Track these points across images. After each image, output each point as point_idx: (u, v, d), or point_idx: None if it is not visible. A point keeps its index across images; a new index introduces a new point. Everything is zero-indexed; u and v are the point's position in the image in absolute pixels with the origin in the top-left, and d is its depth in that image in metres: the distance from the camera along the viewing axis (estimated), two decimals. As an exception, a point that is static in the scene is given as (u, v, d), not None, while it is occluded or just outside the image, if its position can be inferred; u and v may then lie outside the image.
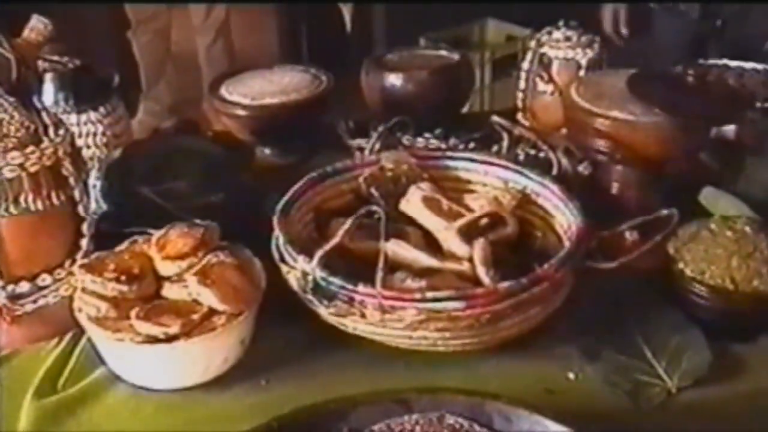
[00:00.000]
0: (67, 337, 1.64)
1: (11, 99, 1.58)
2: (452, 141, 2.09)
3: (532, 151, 2.04)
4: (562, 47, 2.09)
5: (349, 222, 1.55)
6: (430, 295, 1.43)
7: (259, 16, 4.89)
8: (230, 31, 4.56)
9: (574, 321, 1.59)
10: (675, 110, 1.66)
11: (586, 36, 2.09)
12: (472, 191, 1.80)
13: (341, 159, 1.90)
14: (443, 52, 2.27)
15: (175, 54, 4.66)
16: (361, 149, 2.11)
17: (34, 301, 1.65)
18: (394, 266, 1.57)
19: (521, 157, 2.05)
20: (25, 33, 1.66)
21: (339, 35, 4.52)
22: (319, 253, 1.49)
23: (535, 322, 1.51)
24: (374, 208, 1.59)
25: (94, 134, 1.98)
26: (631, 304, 1.63)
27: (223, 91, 2.17)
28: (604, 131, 1.72)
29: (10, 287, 1.63)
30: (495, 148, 2.09)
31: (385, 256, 1.53)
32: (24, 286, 1.64)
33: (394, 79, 2.13)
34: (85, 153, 1.97)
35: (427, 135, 2.10)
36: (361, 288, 1.45)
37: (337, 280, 1.47)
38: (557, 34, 2.09)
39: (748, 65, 2.28)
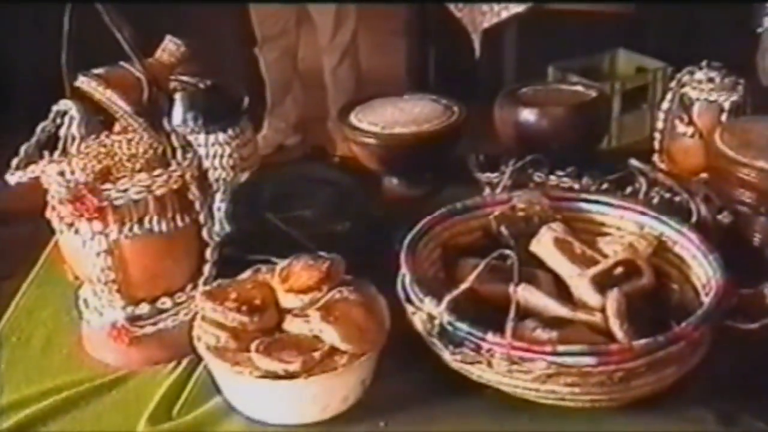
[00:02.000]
0: (185, 362, 1.62)
1: (141, 120, 1.57)
2: (585, 180, 2.01)
3: (668, 195, 1.96)
4: (704, 89, 2.00)
5: (480, 266, 1.49)
6: (561, 348, 1.37)
7: (387, 38, 4.87)
8: (357, 52, 4.54)
9: (710, 382, 1.51)
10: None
11: (730, 78, 1.99)
12: (605, 234, 1.73)
13: (470, 193, 1.88)
14: (579, 87, 2.20)
15: (302, 72, 4.66)
16: (491, 184, 2.06)
17: (154, 324, 1.64)
18: (523, 313, 1.51)
19: (655, 201, 1.97)
20: (158, 53, 1.65)
21: (468, 63, 4.46)
22: (448, 297, 1.44)
23: (669, 381, 1.43)
24: (507, 252, 1.52)
25: (221, 156, 1.95)
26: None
27: (353, 118, 2.13)
28: (748, 182, 1.64)
29: (130, 308, 1.62)
30: (629, 189, 2.01)
31: (516, 304, 1.46)
32: (144, 308, 1.63)
33: (529, 115, 2.07)
34: (212, 175, 1.94)
35: (559, 173, 2.03)
36: (490, 336, 1.40)
37: (465, 326, 1.42)
38: (699, 75, 2.00)
39: None
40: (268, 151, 4.18)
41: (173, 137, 1.60)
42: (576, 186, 2.00)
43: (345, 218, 1.81)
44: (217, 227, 1.88)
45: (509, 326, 1.39)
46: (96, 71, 1.59)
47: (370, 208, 1.88)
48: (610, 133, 4.14)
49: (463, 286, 1.46)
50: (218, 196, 1.91)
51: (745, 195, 1.66)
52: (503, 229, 1.72)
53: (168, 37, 1.65)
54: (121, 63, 1.60)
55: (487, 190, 2.05)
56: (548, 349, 1.37)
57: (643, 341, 1.37)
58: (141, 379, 1.62)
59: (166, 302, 1.65)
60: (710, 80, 1.99)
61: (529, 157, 1.94)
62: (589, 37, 4.51)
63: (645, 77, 4.37)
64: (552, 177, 2.02)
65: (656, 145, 2.09)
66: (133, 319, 1.63)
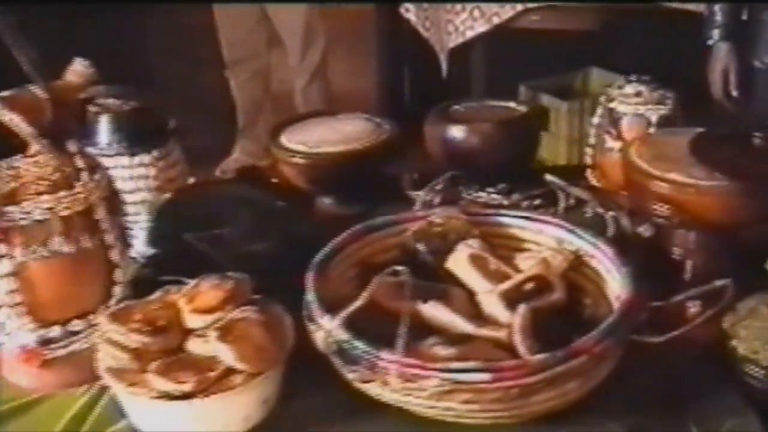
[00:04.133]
0: (97, 384, 1.59)
1: (44, 141, 1.55)
2: (515, 197, 1.99)
3: (600, 210, 1.94)
4: (632, 102, 1.97)
5: (373, 283, 1.47)
6: (454, 365, 1.34)
7: (358, 58, 4.86)
8: (327, 73, 4.53)
9: (621, 396, 1.48)
10: (739, 175, 1.53)
11: (659, 92, 1.97)
12: (524, 250, 1.70)
13: (404, 211, 1.85)
14: (512, 104, 2.17)
15: (275, 94, 4.65)
16: (424, 202, 2.04)
17: (65, 347, 1.62)
18: (433, 330, 1.50)
19: (588, 215, 1.95)
20: (66, 75, 1.64)
21: (443, 83, 4.44)
22: (341, 315, 1.42)
23: (573, 397, 1.40)
24: (398, 268, 1.50)
25: (146, 177, 1.93)
26: (686, 381, 1.52)
27: (283, 138, 2.11)
28: (662, 195, 1.61)
29: (41, 331, 1.60)
30: (562, 205, 2.00)
31: (411, 319, 1.44)
32: (55, 330, 1.61)
33: (456, 132, 2.04)
34: (136, 197, 1.93)
35: (490, 190, 2.01)
36: (383, 354, 1.37)
37: (359, 344, 1.39)
38: (628, 89, 1.99)
39: None
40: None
41: (77, 159, 1.58)
42: (506, 202, 1.98)
43: (266, 238, 1.78)
44: (141, 250, 1.87)
45: (400, 343, 1.36)
46: (1, 94, 1.57)
47: (294, 227, 1.85)
48: (581, 150, 4.13)
49: (356, 304, 1.43)
50: (142, 218, 1.89)
51: (660, 208, 1.62)
52: (420, 245, 1.69)
53: (76, 59, 1.63)
54: (28, 85, 1.59)
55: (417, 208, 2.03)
56: (440, 365, 1.34)
57: (539, 356, 1.35)
58: (55, 402, 1.60)
59: (77, 324, 1.63)
60: (638, 94, 1.98)
61: (448, 174, 1.91)
62: (563, 56, 4.48)
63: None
64: (482, 194, 2.00)
65: (588, 159, 2.06)
66: (45, 342, 1.61)
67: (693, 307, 1.55)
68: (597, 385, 1.43)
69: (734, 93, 2.87)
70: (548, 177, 1.92)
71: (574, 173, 2.05)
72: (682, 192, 1.62)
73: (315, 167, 2.05)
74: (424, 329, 1.51)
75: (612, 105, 2.00)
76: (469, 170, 2.02)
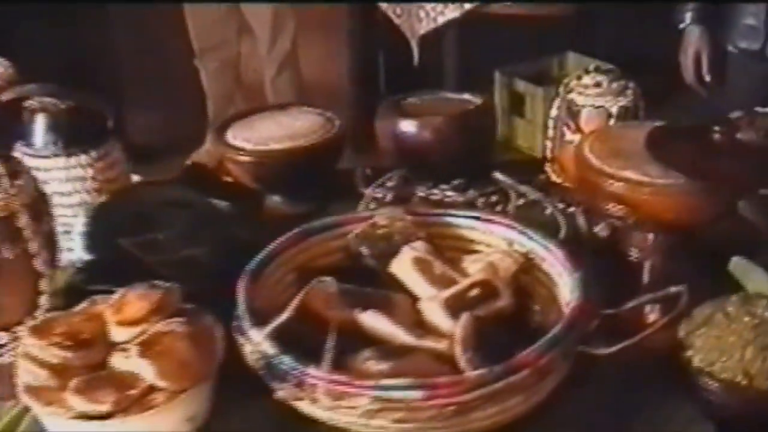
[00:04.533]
0: (23, 400, 1.50)
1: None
2: (471, 193, 1.90)
3: (561, 206, 1.86)
4: (591, 94, 1.88)
5: (301, 294, 1.38)
6: (385, 382, 1.26)
7: (329, 45, 4.74)
8: (297, 62, 4.42)
9: (570, 409, 1.40)
10: (696, 173, 1.44)
11: (619, 82, 1.88)
12: (474, 251, 1.61)
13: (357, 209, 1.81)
14: (467, 96, 2.07)
15: (246, 84, 4.54)
16: (377, 199, 1.95)
17: (-11, 359, 1.52)
18: (374, 340, 1.41)
19: (548, 212, 1.86)
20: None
21: (413, 69, 4.35)
22: (268, 328, 1.33)
23: (516, 413, 1.31)
24: (324, 278, 1.41)
25: (84, 179, 1.84)
26: (641, 392, 1.43)
27: (229, 135, 2.02)
28: (615, 194, 1.51)
29: (-35, 343, 1.51)
30: (521, 201, 1.91)
31: (350, 330, 1.37)
32: (-21, 343, 1.51)
33: (407, 126, 1.94)
34: (74, 199, 1.84)
35: (444, 186, 1.92)
36: (310, 370, 1.28)
37: (286, 359, 1.30)
38: (587, 79, 1.89)
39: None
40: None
41: (-1, 164, 1.49)
42: (461, 199, 1.89)
43: (204, 242, 1.69)
44: (78, 254, 1.78)
45: (327, 358, 1.27)
46: None
47: (235, 230, 1.75)
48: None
49: (281, 317, 1.34)
50: (79, 222, 1.80)
51: (614, 208, 1.53)
52: (363, 249, 1.60)
53: (-3, 59, 1.55)
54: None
55: (373, 206, 1.94)
56: (369, 383, 1.25)
57: (475, 372, 1.26)
58: (-18, 416, 1.49)
59: (2, 337, 1.55)
60: (597, 85, 1.88)
61: (401, 170, 1.82)
62: (539, 41, 4.39)
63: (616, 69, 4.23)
64: (435, 191, 1.91)
65: (548, 153, 1.97)
66: (-31, 355, 1.51)
67: (648, 314, 1.45)
68: (544, 399, 1.34)
69: (707, 77, 2.77)
70: (497, 175, 1.82)
71: (533, 167, 1.95)
72: (637, 191, 1.53)
73: (260, 165, 1.96)
74: (365, 340, 1.42)
75: (570, 96, 1.90)
76: (422, 166, 1.92)
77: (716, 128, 1.55)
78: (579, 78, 1.92)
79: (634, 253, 1.61)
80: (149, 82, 4.57)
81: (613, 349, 1.34)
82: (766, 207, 1.70)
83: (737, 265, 1.55)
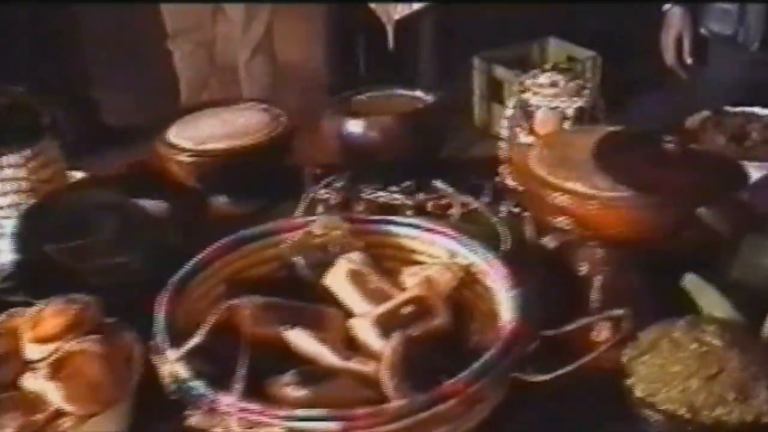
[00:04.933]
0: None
1: None
2: (420, 196, 1.81)
3: (516, 211, 1.78)
4: (546, 94, 1.78)
5: (214, 314, 1.29)
6: (299, 412, 1.17)
7: (305, 26, 4.63)
8: (272, 46, 4.31)
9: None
10: (643, 186, 1.35)
11: (576, 81, 1.78)
12: (416, 262, 1.53)
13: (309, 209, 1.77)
14: (420, 93, 1.97)
15: (220, 66, 4.43)
16: (324, 201, 1.87)
17: None
18: (301, 361, 1.33)
19: (503, 215, 1.78)
20: None
21: (398, 54, 4.25)
22: (181, 350, 1.25)
23: (444, 443, 1.22)
24: (233, 302, 1.32)
25: (16, 179, 1.75)
26: (581, 420, 1.35)
27: (172, 133, 1.93)
28: (559, 206, 1.42)
29: None
30: (476, 205, 1.82)
31: (277, 349, 1.29)
32: None
33: (354, 126, 1.85)
34: (5, 200, 1.78)
35: (393, 188, 1.83)
36: (223, 397, 1.19)
37: (198, 385, 1.22)
38: (542, 79, 1.79)
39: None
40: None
41: None
42: (408, 202, 1.80)
43: (136, 248, 1.61)
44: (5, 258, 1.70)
45: (238, 385, 1.19)
46: None
47: (170, 235, 1.67)
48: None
49: (192, 341, 1.26)
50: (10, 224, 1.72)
51: (560, 221, 1.43)
52: (298, 259, 1.52)
53: None
54: None
55: (320, 208, 1.85)
56: (284, 412, 1.17)
57: (396, 403, 1.18)
58: None
59: None
60: (553, 84, 1.78)
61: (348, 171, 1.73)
62: (522, 25, 4.30)
63: (575, 66, 4.15)
64: (382, 193, 1.82)
65: (501, 155, 1.88)
66: None
67: (591, 336, 1.36)
68: (474, 429, 1.26)
69: (688, 60, 2.67)
70: (437, 184, 1.73)
71: (488, 168, 1.86)
72: (582, 204, 1.43)
73: (200, 165, 1.86)
74: (293, 359, 1.34)
75: (525, 96, 1.80)
76: (370, 167, 1.83)
77: (667, 138, 1.45)
78: (534, 77, 1.81)
79: (583, 268, 1.52)
80: (123, 63, 4.46)
81: (549, 376, 1.25)
82: (729, 213, 1.61)
83: (691, 281, 1.46)
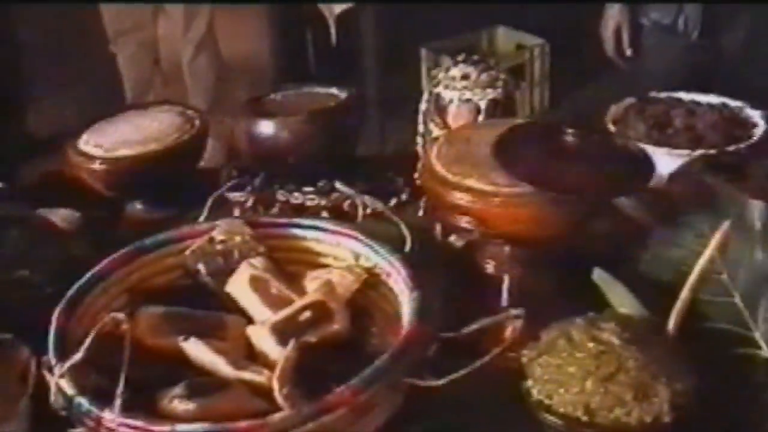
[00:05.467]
0: None
1: None
2: (335, 196, 1.77)
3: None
4: (458, 87, 1.75)
5: (93, 331, 1.25)
6: (179, 427, 1.14)
7: (247, 22, 4.58)
8: (215, 44, 4.26)
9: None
10: (542, 182, 1.32)
11: (489, 73, 1.74)
12: (322, 265, 1.50)
13: (222, 214, 1.71)
14: (335, 90, 1.93)
15: (164, 67, 4.37)
16: (240, 203, 1.83)
17: None
18: (201, 372, 1.30)
19: (420, 213, 1.74)
20: None
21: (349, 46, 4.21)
22: (65, 365, 1.21)
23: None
24: (116, 314, 1.29)
25: None
26: (480, 424, 1.33)
27: (83, 139, 1.89)
28: (458, 204, 1.39)
29: None
30: (394, 201, 1.79)
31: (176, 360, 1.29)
32: None
33: (264, 127, 1.81)
34: None
35: (307, 189, 1.79)
36: (105, 413, 1.16)
37: (82, 401, 1.18)
38: (454, 71, 1.76)
39: (706, 100, 1.97)
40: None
41: None
42: (323, 202, 1.77)
43: (37, 262, 1.56)
44: None
45: (118, 400, 1.15)
46: None
47: (78, 247, 1.63)
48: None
49: (77, 357, 1.22)
50: None
51: (462, 219, 1.40)
52: (200, 266, 1.48)
53: None
54: None
55: (236, 211, 1.82)
56: (166, 427, 1.13)
57: (278, 415, 1.14)
58: None
59: None
60: (465, 77, 1.75)
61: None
62: (468, 15, 4.27)
63: (522, 55, 4.13)
64: (296, 194, 1.79)
65: (418, 151, 1.84)
66: None
67: (514, 327, 1.32)
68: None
69: (627, 52, 2.66)
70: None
71: (405, 165, 1.83)
72: (480, 202, 1.39)
73: (112, 173, 1.82)
74: (194, 370, 1.30)
75: (438, 90, 1.77)
76: (284, 168, 1.79)
77: (569, 131, 1.41)
78: (447, 69, 1.78)
79: (489, 266, 1.49)
80: (66, 68, 4.41)
81: (444, 381, 1.22)
82: (649, 203, 1.59)
83: (599, 277, 1.43)
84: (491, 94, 1.73)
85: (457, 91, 1.75)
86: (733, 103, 1.99)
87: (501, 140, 1.41)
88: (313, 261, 1.52)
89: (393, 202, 1.80)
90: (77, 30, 4.37)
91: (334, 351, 1.36)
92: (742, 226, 1.36)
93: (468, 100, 1.74)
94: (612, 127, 1.90)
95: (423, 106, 1.81)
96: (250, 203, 1.83)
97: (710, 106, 1.97)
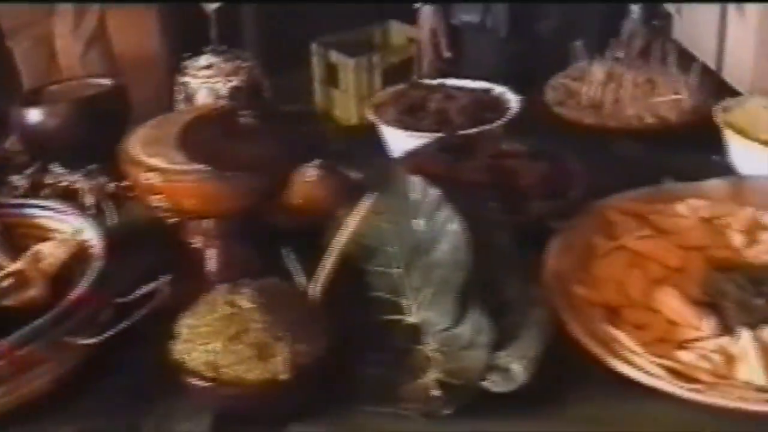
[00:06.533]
0: None
1: None
2: (102, 179, 1.90)
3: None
4: (203, 75, 1.86)
5: None
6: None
7: (136, 16, 4.65)
8: (107, 38, 4.35)
9: (78, 399, 1.42)
10: (213, 160, 1.44)
11: (233, 62, 1.86)
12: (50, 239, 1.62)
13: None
14: (105, 80, 2.06)
15: (61, 61, 4.46)
16: (16, 188, 1.95)
17: None
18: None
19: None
20: None
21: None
22: None
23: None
24: None
25: None
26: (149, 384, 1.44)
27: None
28: (147, 184, 1.51)
29: None
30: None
31: None
32: None
33: (33, 115, 1.95)
34: None
35: (76, 173, 1.92)
36: None
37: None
38: (201, 61, 1.88)
39: (468, 85, 2.08)
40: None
41: None
42: (88, 185, 1.89)
43: None
44: None
45: None
46: None
47: None
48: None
49: None
50: None
51: (153, 199, 1.52)
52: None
53: None
54: None
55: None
56: None
57: None
58: None
59: None
60: (209, 66, 1.86)
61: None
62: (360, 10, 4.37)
63: (409, 49, 4.21)
64: (68, 177, 1.92)
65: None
66: None
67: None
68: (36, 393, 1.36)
69: (446, 54, 2.77)
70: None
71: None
72: (164, 180, 1.50)
73: None
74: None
75: (185, 79, 1.88)
76: (55, 153, 1.92)
77: (246, 113, 1.54)
78: (195, 60, 1.89)
79: (195, 241, 1.61)
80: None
81: (97, 339, 1.35)
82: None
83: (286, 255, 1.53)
84: (234, 81, 1.85)
85: (201, 80, 1.86)
86: (498, 88, 2.09)
87: (188, 123, 1.52)
88: (42, 236, 1.65)
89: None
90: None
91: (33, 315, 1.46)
92: (404, 199, 1.46)
93: (211, 88, 1.85)
94: (371, 114, 2.01)
95: (177, 96, 1.93)
96: (27, 185, 1.93)
97: (471, 90, 2.07)
